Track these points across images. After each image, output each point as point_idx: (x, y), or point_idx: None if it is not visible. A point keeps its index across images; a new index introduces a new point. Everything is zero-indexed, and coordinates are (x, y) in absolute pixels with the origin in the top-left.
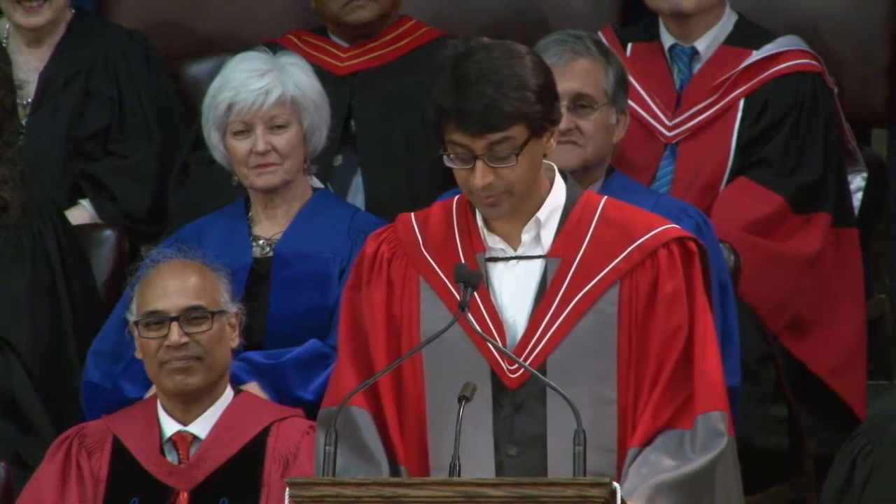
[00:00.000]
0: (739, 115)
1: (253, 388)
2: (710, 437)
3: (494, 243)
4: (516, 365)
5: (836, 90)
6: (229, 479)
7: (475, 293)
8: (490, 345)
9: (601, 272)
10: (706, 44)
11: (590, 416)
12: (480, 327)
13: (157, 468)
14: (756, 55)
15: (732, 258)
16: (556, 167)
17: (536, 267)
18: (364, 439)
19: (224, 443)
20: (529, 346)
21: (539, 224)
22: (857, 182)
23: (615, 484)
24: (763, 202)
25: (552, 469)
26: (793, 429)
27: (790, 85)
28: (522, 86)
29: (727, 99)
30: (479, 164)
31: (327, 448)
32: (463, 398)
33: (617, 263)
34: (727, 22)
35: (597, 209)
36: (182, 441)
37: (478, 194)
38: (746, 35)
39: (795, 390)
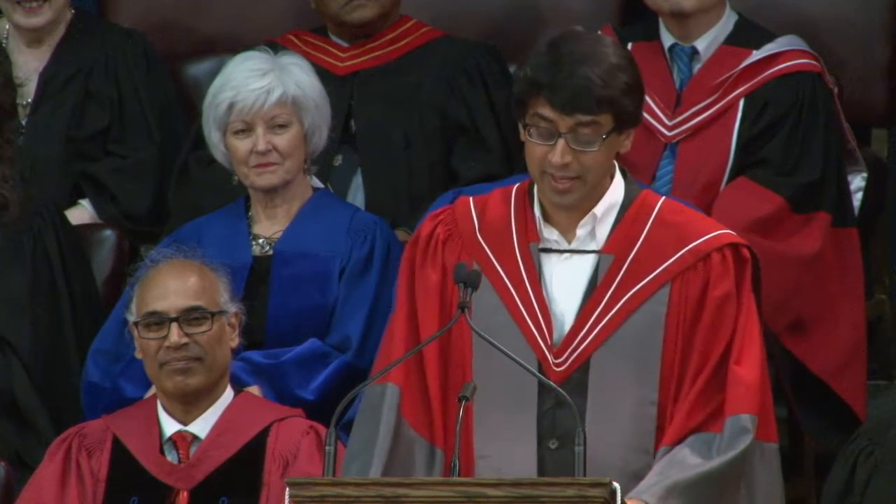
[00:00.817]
0: (739, 114)
1: (254, 391)
2: (733, 438)
3: (550, 235)
4: (562, 359)
5: (836, 90)
6: (229, 478)
7: (527, 283)
8: (546, 337)
9: (653, 272)
10: (706, 43)
11: (629, 416)
12: (529, 318)
13: (156, 468)
14: (756, 55)
15: None
16: (616, 163)
17: (589, 262)
18: (379, 432)
19: (224, 442)
20: (576, 342)
21: (595, 219)
22: (857, 182)
23: (615, 484)
24: (763, 202)
25: (589, 464)
26: (793, 429)
27: (790, 85)
28: (617, 76)
29: (727, 99)
30: (562, 142)
31: (328, 448)
32: (463, 398)
33: (669, 265)
34: (727, 22)
35: (654, 209)
36: (182, 441)
37: (551, 175)
38: (746, 35)
39: (795, 390)
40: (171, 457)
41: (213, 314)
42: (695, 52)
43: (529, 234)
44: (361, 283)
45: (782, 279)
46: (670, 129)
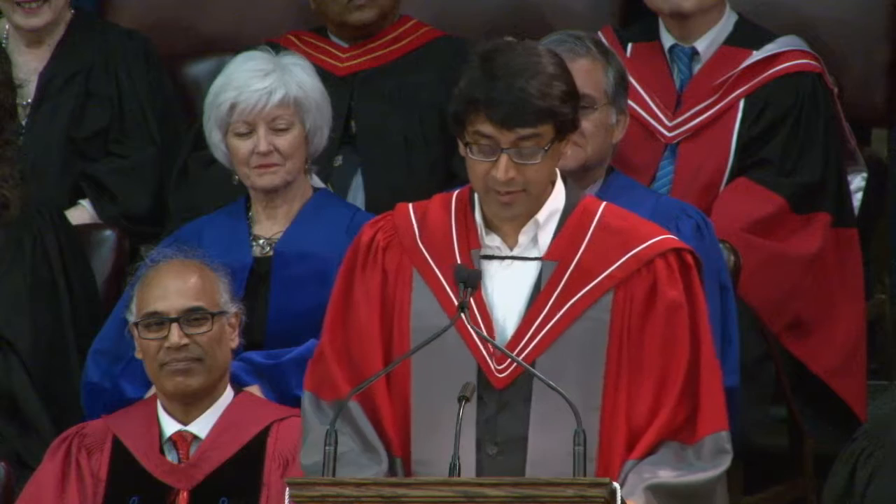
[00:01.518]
0: (739, 115)
1: (254, 391)
2: (717, 454)
3: (491, 241)
4: (504, 365)
5: (836, 90)
6: (229, 478)
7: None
8: (489, 343)
9: (596, 279)
10: (706, 44)
11: (573, 419)
12: (471, 325)
13: (156, 468)
14: (756, 55)
15: (732, 258)
16: (558, 170)
17: (532, 269)
18: (363, 430)
19: (224, 443)
20: (518, 347)
21: (537, 225)
22: (857, 182)
23: (615, 484)
24: (763, 202)
25: (530, 471)
26: (793, 429)
27: (790, 85)
28: (553, 86)
29: (727, 99)
30: (504, 157)
31: (327, 448)
32: (463, 398)
33: (612, 271)
34: (727, 22)
35: (595, 214)
36: (182, 441)
37: (495, 190)
38: (746, 35)
39: (795, 390)
40: (171, 457)
41: (213, 315)
42: (695, 52)
43: (471, 241)
44: None
45: (782, 279)
46: (670, 129)
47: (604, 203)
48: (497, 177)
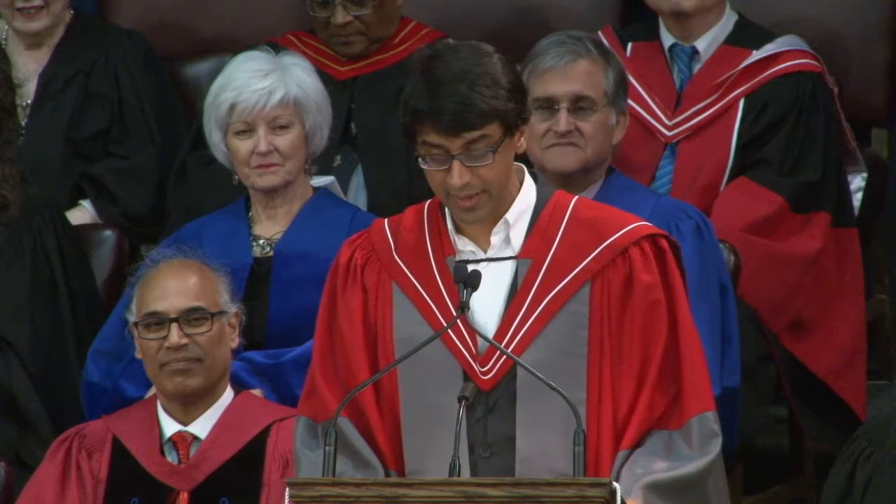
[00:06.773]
0: (739, 114)
1: (257, 394)
2: (706, 438)
3: (464, 246)
4: (487, 367)
5: (836, 90)
6: (229, 479)
7: (446, 296)
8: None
9: (572, 272)
10: (706, 43)
11: (561, 418)
12: (452, 330)
13: (157, 468)
14: (756, 55)
15: (732, 258)
16: (525, 168)
17: (507, 269)
18: (356, 447)
19: (224, 443)
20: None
21: (508, 225)
22: (857, 182)
23: (615, 484)
24: (763, 202)
25: (520, 471)
26: (793, 429)
27: (790, 85)
28: (495, 83)
29: (727, 99)
30: (456, 163)
31: (328, 448)
32: (462, 398)
33: (588, 263)
34: (727, 22)
35: (567, 208)
36: (182, 441)
37: (455, 196)
38: (746, 35)
39: (795, 390)
40: (171, 457)
41: (213, 315)
42: (695, 52)
43: (445, 247)
44: None
45: (782, 279)
46: (670, 129)
47: (576, 197)
48: (453, 184)
